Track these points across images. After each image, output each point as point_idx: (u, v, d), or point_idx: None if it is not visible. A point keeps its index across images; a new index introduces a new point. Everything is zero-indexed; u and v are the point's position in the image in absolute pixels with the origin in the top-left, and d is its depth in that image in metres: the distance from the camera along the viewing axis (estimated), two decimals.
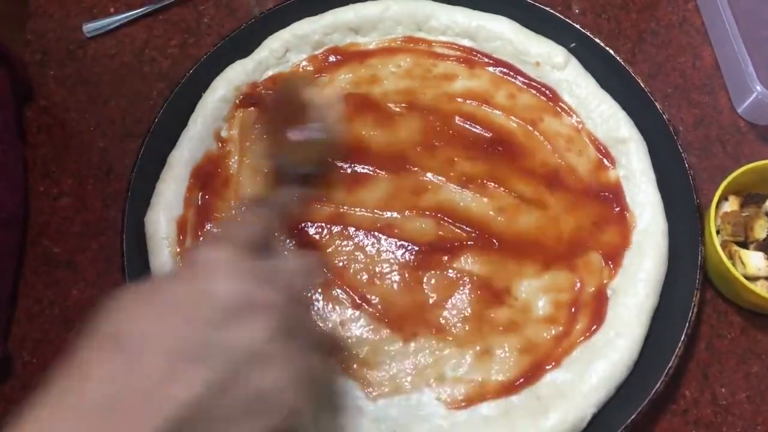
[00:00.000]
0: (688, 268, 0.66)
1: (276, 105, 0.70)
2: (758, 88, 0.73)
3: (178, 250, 0.67)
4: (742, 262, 0.66)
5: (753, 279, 0.66)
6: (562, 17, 0.76)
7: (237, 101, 0.74)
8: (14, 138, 0.75)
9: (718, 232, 0.68)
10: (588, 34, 0.75)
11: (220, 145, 0.72)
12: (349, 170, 0.71)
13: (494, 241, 0.68)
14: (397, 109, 0.74)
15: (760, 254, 0.66)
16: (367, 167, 0.71)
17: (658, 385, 0.61)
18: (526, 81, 0.75)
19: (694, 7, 0.84)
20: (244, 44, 0.76)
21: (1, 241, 0.70)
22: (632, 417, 0.60)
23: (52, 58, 0.80)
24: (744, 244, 0.68)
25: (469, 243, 0.68)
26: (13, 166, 0.74)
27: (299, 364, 0.46)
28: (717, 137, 0.77)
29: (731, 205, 0.70)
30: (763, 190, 0.71)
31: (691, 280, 0.65)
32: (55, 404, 0.39)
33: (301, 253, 0.56)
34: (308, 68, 0.76)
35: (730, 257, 0.67)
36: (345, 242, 0.68)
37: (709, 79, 0.80)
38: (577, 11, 0.84)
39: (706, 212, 0.68)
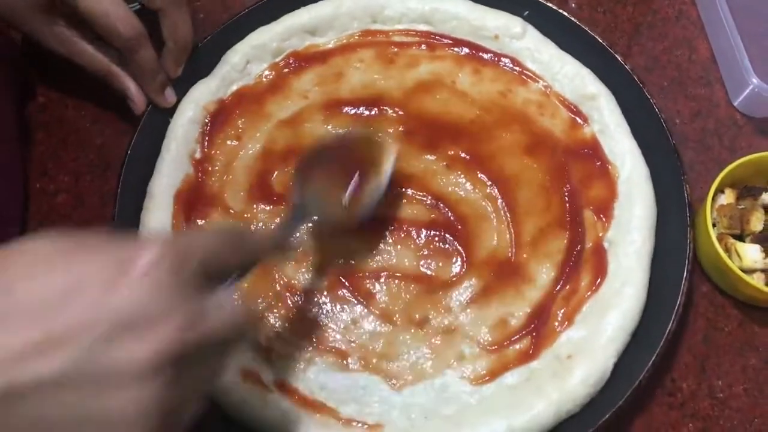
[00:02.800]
0: (677, 207, 0.68)
1: (330, 150, 0.67)
2: (754, 81, 0.73)
3: None
4: (739, 255, 0.66)
5: (749, 272, 0.66)
6: None
7: (207, 120, 0.73)
8: (14, 136, 0.75)
9: (714, 225, 0.68)
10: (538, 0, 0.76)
11: (196, 167, 0.71)
12: None
13: (489, 216, 0.69)
14: (369, 110, 0.74)
15: (757, 247, 0.66)
16: None
17: (671, 324, 0.62)
18: (488, 55, 0.76)
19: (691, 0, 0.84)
20: (203, 62, 0.75)
21: (5, 239, 0.70)
22: (653, 359, 0.61)
23: (50, 53, 0.80)
24: (740, 237, 0.69)
25: (463, 221, 0.69)
26: (14, 165, 0.74)
27: (165, 412, 0.39)
28: (713, 130, 0.77)
29: (727, 197, 0.70)
30: (759, 183, 0.71)
31: (682, 218, 0.67)
32: None
33: (242, 307, 0.49)
34: (270, 77, 0.75)
35: (727, 250, 0.67)
36: (339, 239, 0.68)
37: (705, 72, 0.80)
38: (573, 5, 0.84)
39: (701, 205, 0.68)
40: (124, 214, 0.69)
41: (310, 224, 0.66)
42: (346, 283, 0.67)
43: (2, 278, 0.38)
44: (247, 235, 0.52)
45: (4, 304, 0.37)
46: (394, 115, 0.73)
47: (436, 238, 0.68)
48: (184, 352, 0.40)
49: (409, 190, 0.70)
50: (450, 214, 0.69)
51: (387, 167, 0.67)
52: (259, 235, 0.56)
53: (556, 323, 0.65)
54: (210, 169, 0.72)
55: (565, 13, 0.76)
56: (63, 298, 0.38)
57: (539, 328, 0.64)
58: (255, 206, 0.70)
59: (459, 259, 0.67)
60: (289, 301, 0.66)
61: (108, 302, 0.38)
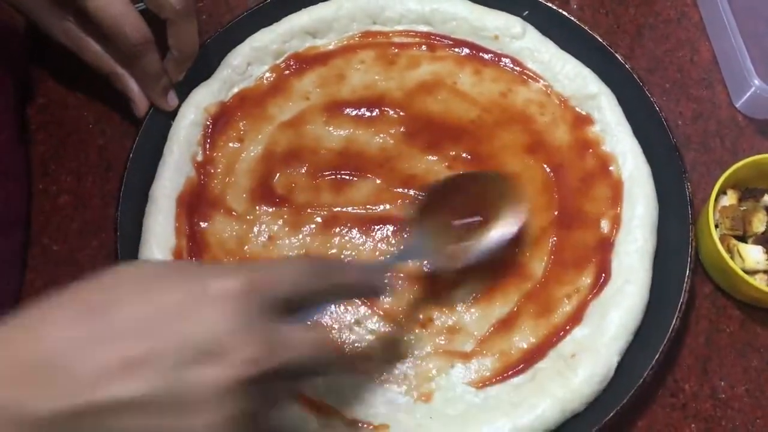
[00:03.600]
0: (678, 206, 0.67)
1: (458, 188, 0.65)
2: (756, 82, 0.73)
3: None
4: (741, 256, 0.66)
5: (752, 273, 0.66)
6: None
7: (208, 123, 0.73)
8: (16, 137, 0.75)
9: (716, 227, 0.68)
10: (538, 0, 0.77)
11: (199, 169, 0.71)
12: (337, 177, 0.71)
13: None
14: (370, 112, 0.74)
15: (759, 248, 0.67)
16: (353, 173, 0.71)
17: (673, 321, 0.62)
18: (488, 56, 0.76)
19: (693, 1, 0.84)
20: (204, 63, 0.74)
21: (10, 240, 0.70)
22: (656, 356, 0.61)
23: (51, 53, 0.80)
24: (743, 238, 0.69)
25: None
26: (21, 166, 0.74)
27: None
28: (715, 132, 0.77)
29: (729, 199, 0.70)
30: (761, 184, 0.71)
31: (684, 217, 0.67)
32: None
33: (321, 338, 0.49)
34: (271, 79, 0.75)
35: (729, 251, 0.67)
36: (343, 241, 0.68)
37: (707, 74, 0.80)
38: (575, 6, 0.84)
39: (704, 206, 0.68)
40: (126, 217, 0.68)
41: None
42: None
43: (99, 301, 0.41)
44: (335, 269, 0.51)
45: (98, 325, 0.40)
46: (396, 116, 0.73)
47: None
48: (258, 379, 0.41)
49: (411, 190, 0.70)
50: None
51: (511, 221, 0.63)
52: (349, 269, 0.54)
53: None
54: (212, 171, 0.71)
55: (565, 13, 0.76)
56: (147, 323, 0.40)
57: None
58: (257, 208, 0.70)
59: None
60: None
61: (188, 328, 0.41)
